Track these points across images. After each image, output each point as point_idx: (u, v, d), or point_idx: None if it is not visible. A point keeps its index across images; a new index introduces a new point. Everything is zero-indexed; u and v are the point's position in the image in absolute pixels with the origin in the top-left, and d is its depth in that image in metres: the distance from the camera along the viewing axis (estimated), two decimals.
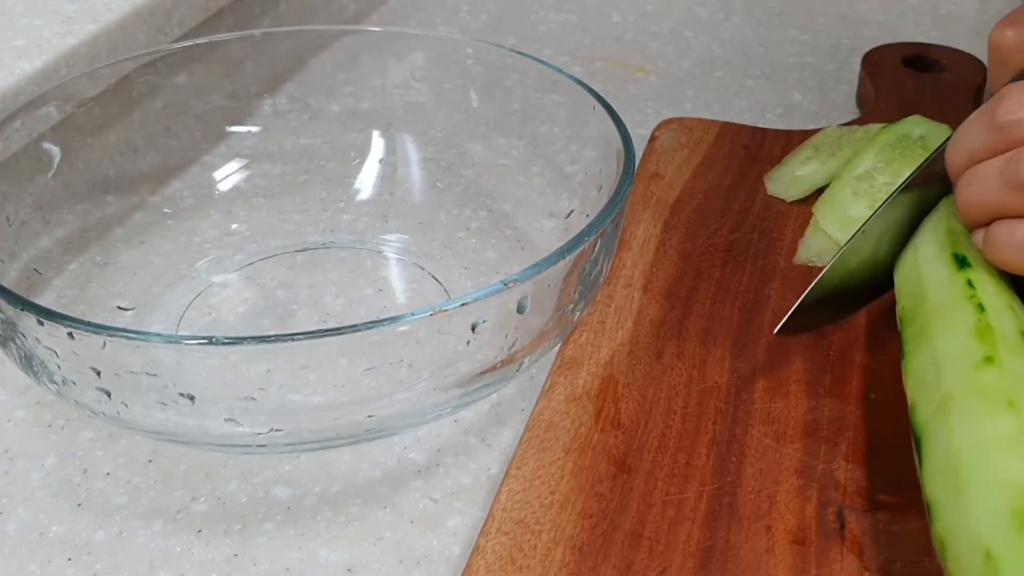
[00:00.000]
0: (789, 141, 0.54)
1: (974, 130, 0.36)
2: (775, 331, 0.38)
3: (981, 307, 0.33)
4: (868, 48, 0.62)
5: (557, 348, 0.41)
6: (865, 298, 0.40)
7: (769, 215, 0.48)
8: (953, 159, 0.37)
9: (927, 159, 0.39)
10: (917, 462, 0.31)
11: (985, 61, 0.60)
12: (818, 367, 0.40)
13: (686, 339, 0.41)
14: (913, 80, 0.59)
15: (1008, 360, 0.31)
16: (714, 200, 0.49)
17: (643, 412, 0.38)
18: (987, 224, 0.35)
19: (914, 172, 0.39)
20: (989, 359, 0.31)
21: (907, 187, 0.39)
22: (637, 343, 0.41)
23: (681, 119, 0.55)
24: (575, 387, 0.39)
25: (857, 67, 0.61)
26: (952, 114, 0.53)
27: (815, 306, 0.39)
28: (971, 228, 0.36)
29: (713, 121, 0.55)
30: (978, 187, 0.35)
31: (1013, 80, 0.39)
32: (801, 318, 0.38)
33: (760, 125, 0.56)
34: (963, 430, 0.30)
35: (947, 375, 0.32)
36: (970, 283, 0.34)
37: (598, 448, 0.36)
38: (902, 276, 0.38)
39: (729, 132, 0.54)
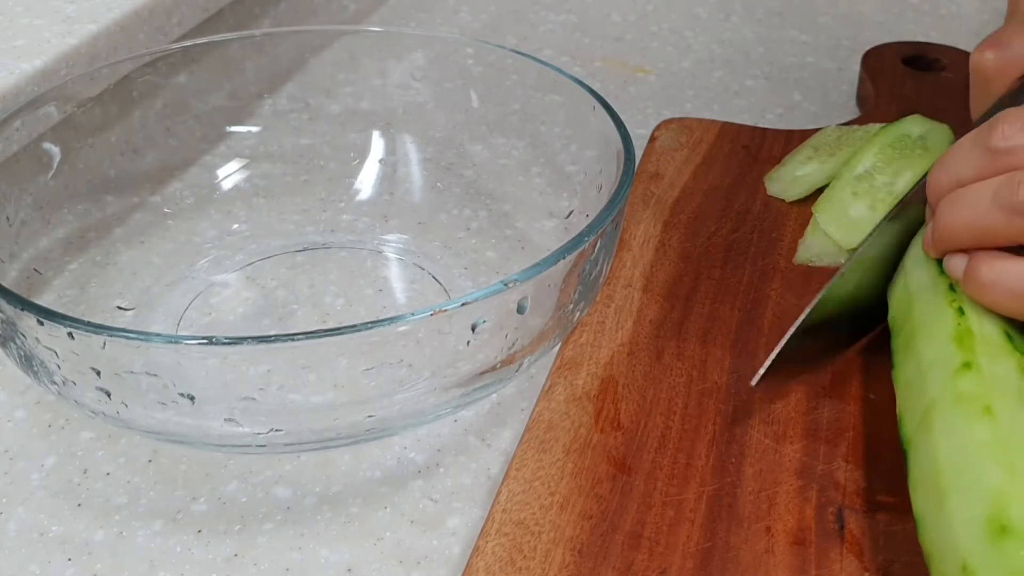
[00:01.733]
0: (789, 141, 0.53)
1: (964, 155, 0.34)
2: (752, 383, 0.36)
3: (961, 311, 0.33)
4: (868, 48, 0.62)
5: (557, 348, 0.41)
6: (848, 337, 0.39)
7: (769, 215, 0.48)
8: (938, 183, 0.35)
9: (904, 197, 0.38)
10: (908, 474, 0.31)
11: None
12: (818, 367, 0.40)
13: (686, 339, 0.41)
14: (913, 80, 0.59)
15: (987, 365, 0.31)
16: (714, 200, 0.49)
17: (643, 413, 0.38)
18: (964, 250, 0.33)
19: (889, 213, 0.38)
20: (967, 365, 0.31)
21: (883, 228, 0.38)
22: (637, 343, 0.41)
23: (681, 119, 0.55)
24: (575, 388, 0.39)
25: (857, 67, 0.61)
26: (952, 113, 0.53)
27: (798, 348, 0.37)
28: (944, 253, 0.34)
29: (713, 121, 0.55)
30: (967, 209, 0.33)
31: (996, 105, 0.37)
32: (784, 363, 0.36)
33: (760, 125, 0.56)
34: (943, 440, 0.29)
35: (930, 384, 0.31)
36: (952, 287, 0.34)
37: (598, 449, 0.36)
38: (892, 287, 0.38)
39: (729, 132, 0.54)
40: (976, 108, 0.41)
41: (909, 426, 0.32)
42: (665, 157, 0.52)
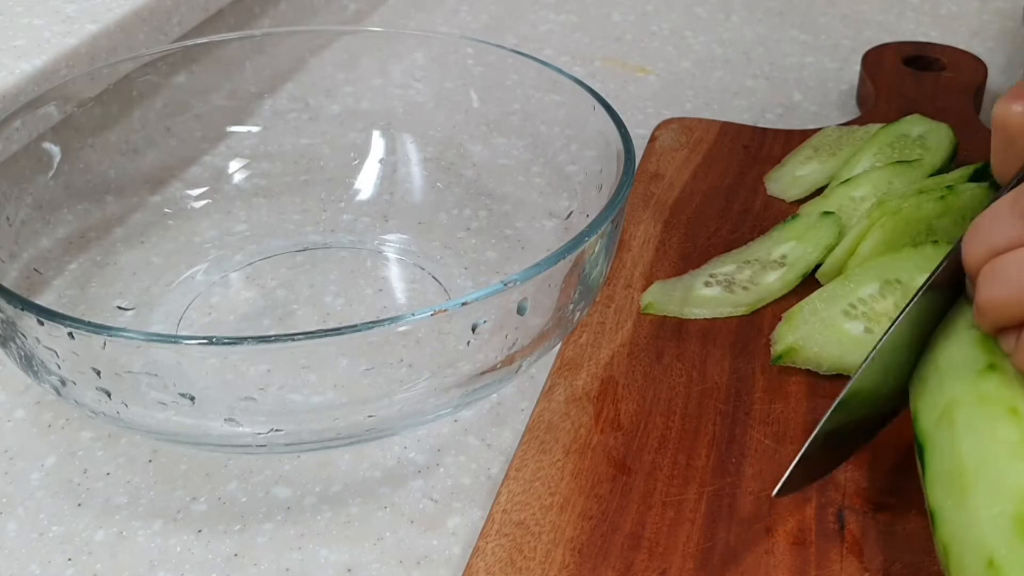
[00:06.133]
0: (789, 141, 0.53)
1: (997, 222, 0.31)
2: (774, 493, 0.33)
3: None
4: (868, 48, 0.61)
5: (557, 349, 0.41)
6: (872, 430, 0.35)
7: (769, 215, 0.48)
8: (973, 253, 0.32)
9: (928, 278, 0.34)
10: (920, 470, 0.31)
11: (985, 60, 0.60)
12: None
13: (686, 340, 0.41)
14: (913, 79, 0.58)
15: (1011, 368, 0.31)
16: (714, 200, 0.49)
17: (643, 413, 0.38)
18: (1019, 325, 0.31)
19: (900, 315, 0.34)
20: (991, 367, 0.31)
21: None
22: (637, 344, 0.41)
23: (681, 119, 0.55)
24: (575, 388, 0.39)
25: (857, 67, 0.61)
26: (952, 113, 0.53)
27: (819, 452, 0.34)
28: (996, 331, 0.32)
29: (713, 121, 0.55)
30: (1010, 282, 0.30)
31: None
32: (803, 469, 0.33)
33: (760, 125, 0.56)
34: (967, 437, 0.29)
35: (950, 383, 0.31)
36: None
37: (598, 449, 0.36)
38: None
39: (729, 132, 0.54)
40: (1001, 166, 0.37)
41: (926, 423, 0.32)
42: (665, 157, 0.52)
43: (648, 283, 0.44)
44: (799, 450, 0.35)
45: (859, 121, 0.55)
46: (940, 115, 0.51)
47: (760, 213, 0.48)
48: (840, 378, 0.39)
